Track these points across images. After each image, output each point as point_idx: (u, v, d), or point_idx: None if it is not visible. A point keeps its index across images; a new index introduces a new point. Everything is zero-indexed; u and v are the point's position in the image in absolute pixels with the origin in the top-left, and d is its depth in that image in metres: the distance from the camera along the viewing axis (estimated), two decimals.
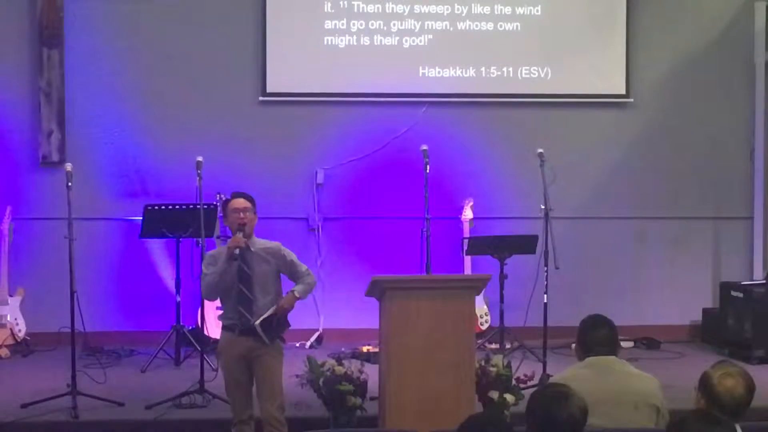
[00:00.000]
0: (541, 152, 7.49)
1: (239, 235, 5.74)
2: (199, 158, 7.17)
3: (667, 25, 9.32)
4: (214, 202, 8.28)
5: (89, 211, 8.46)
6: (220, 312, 6.00)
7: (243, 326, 5.74)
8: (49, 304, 8.29)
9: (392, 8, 9.04)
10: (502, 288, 8.05)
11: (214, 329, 8.07)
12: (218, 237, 8.35)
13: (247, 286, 5.75)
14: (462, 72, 9.11)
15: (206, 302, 7.54)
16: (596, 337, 4.64)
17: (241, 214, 5.78)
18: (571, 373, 4.59)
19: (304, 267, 5.87)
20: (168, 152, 8.79)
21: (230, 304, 5.79)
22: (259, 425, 5.79)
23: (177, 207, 7.97)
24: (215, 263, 5.78)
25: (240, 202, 5.84)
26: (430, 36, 9.07)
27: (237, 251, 5.70)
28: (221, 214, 6.15)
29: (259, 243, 5.86)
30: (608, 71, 9.23)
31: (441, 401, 5.64)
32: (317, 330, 8.80)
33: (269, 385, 5.72)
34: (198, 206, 7.06)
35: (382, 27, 9.03)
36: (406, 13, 9.06)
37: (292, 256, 5.88)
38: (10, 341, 8.33)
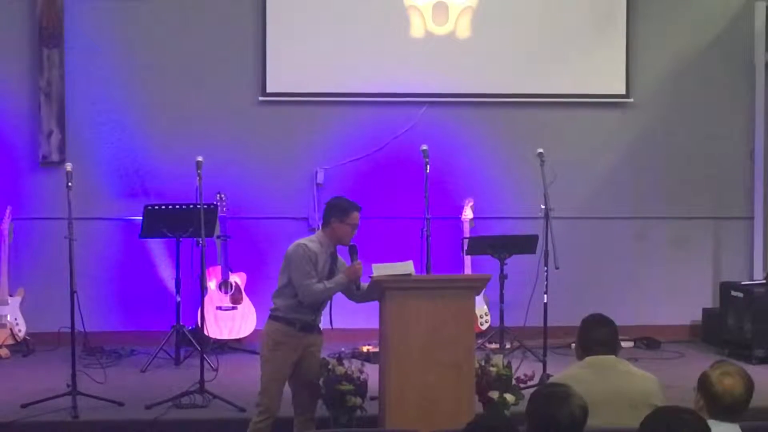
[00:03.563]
0: (541, 152, 7.49)
1: (357, 263, 5.89)
2: (199, 158, 7.19)
3: (667, 25, 9.32)
4: (214, 202, 8.29)
5: (89, 211, 8.46)
6: (277, 304, 5.90)
7: (306, 323, 5.85)
8: (49, 304, 8.29)
9: (392, 8, 9.03)
10: (502, 288, 8.04)
11: (213, 329, 8.09)
12: (218, 237, 8.36)
13: None
14: (462, 72, 9.10)
15: (206, 302, 7.54)
16: (596, 336, 4.65)
17: (354, 232, 5.94)
18: (571, 373, 4.59)
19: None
20: (168, 152, 8.78)
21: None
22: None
23: (177, 207, 7.96)
24: (316, 262, 5.79)
25: (358, 218, 5.99)
26: (431, 36, 9.06)
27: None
28: (326, 213, 6.01)
29: None
30: (608, 71, 9.23)
31: (441, 401, 5.65)
32: None
33: (316, 382, 5.86)
34: (198, 206, 7.07)
35: (382, 27, 9.03)
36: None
37: None
38: (10, 341, 8.32)
